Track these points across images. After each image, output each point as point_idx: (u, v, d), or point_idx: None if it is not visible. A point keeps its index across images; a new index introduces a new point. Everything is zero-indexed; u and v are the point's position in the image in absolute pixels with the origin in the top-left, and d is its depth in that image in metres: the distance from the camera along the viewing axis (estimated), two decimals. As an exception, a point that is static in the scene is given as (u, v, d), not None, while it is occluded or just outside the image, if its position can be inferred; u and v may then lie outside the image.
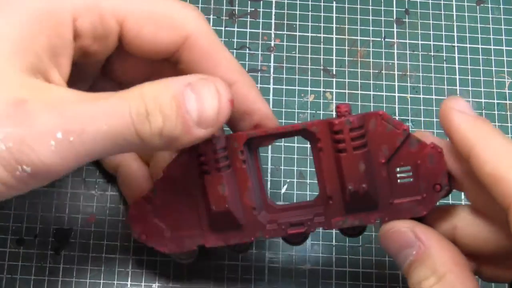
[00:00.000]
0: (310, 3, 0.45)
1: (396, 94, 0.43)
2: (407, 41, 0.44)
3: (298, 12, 0.45)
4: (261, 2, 0.45)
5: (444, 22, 0.45)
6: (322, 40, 0.44)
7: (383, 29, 0.45)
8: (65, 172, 0.28)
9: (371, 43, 0.44)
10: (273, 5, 0.45)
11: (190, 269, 0.39)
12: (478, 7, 0.45)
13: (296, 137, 0.38)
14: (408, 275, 0.31)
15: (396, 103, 0.43)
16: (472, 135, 0.29)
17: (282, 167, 0.41)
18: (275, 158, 0.41)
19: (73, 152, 0.27)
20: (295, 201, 0.41)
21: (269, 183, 0.41)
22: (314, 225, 0.33)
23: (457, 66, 0.44)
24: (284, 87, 0.43)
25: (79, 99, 0.28)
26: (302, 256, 0.40)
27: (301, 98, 0.43)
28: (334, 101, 0.43)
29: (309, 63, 0.44)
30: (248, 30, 0.44)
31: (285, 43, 0.44)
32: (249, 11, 0.44)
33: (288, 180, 0.41)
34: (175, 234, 0.34)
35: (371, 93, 0.43)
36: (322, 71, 0.43)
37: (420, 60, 0.44)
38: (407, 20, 0.45)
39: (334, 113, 0.42)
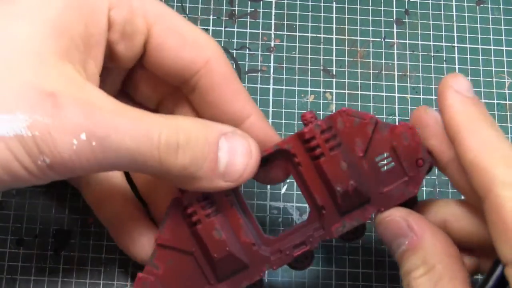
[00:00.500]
0: (310, 3, 0.45)
1: (396, 95, 0.43)
2: (407, 41, 0.44)
3: (298, 13, 0.45)
4: (261, 2, 0.45)
5: (444, 22, 0.45)
6: (322, 41, 0.44)
7: (383, 29, 0.45)
8: (81, 172, 0.28)
9: (371, 44, 0.44)
10: (273, 6, 0.45)
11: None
12: (478, 7, 0.45)
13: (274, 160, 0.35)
14: (400, 264, 0.31)
15: (396, 104, 0.43)
16: (461, 118, 0.29)
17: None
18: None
19: (92, 157, 0.27)
20: (294, 201, 0.41)
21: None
22: (316, 240, 0.33)
23: (457, 66, 0.44)
24: (284, 87, 0.43)
25: (111, 105, 0.28)
26: (302, 257, 0.40)
27: (301, 98, 0.43)
28: (334, 102, 0.43)
29: (309, 64, 0.44)
30: (248, 30, 0.44)
31: (285, 44, 0.44)
32: (249, 11, 0.44)
33: (288, 181, 0.41)
34: None
35: (371, 93, 0.43)
36: (322, 72, 0.43)
37: (420, 60, 0.44)
38: (407, 20, 0.45)
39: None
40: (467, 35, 0.45)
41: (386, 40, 0.44)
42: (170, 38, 0.32)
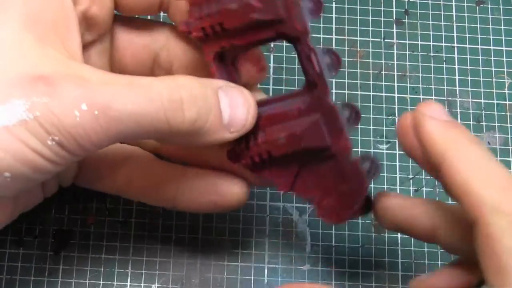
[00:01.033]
0: (309, 3, 0.45)
1: (396, 95, 0.43)
2: (407, 41, 0.44)
3: (297, 13, 0.45)
4: (261, 2, 0.45)
5: (444, 22, 0.45)
6: (321, 41, 0.44)
7: (382, 29, 0.45)
8: (91, 147, 0.27)
9: (370, 44, 0.44)
10: (273, 6, 0.45)
11: (189, 269, 0.39)
12: (477, 7, 0.45)
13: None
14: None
15: (396, 104, 0.43)
16: (444, 142, 0.28)
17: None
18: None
19: (98, 127, 0.27)
20: (294, 201, 0.40)
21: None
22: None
23: (456, 66, 0.44)
24: (284, 87, 0.43)
25: (102, 76, 0.28)
26: (301, 257, 0.40)
27: (300, 98, 0.43)
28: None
29: (309, 64, 0.43)
30: (248, 30, 0.44)
31: (284, 44, 0.44)
32: (248, 11, 0.44)
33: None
34: None
35: (371, 93, 0.43)
36: (321, 72, 0.43)
37: (419, 60, 0.44)
38: (406, 20, 0.45)
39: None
40: (467, 35, 0.45)
41: (385, 40, 0.44)
42: None
